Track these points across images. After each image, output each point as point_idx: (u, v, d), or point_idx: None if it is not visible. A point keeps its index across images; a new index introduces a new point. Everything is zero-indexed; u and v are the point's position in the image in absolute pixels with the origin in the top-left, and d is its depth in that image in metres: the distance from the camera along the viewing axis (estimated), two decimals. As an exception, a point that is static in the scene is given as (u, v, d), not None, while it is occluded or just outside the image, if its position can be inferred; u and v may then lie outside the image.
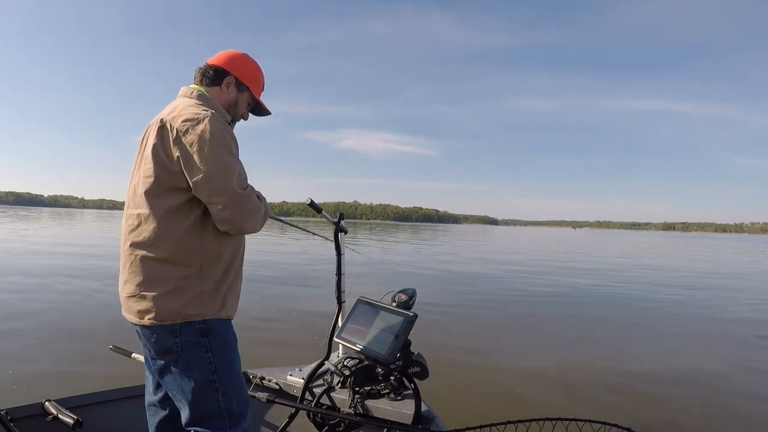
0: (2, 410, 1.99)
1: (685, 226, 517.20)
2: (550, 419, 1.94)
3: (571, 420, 1.95)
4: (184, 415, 1.68)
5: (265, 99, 1.99)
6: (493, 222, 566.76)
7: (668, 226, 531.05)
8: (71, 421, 1.96)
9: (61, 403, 2.13)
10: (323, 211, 2.36)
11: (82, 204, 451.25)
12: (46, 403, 2.11)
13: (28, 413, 2.08)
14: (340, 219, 2.43)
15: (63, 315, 6.68)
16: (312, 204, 2.30)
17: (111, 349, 2.80)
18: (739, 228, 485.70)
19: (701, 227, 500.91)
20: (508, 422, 1.94)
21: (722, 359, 5.71)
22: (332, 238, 2.42)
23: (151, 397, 1.88)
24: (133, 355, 2.66)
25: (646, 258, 24.77)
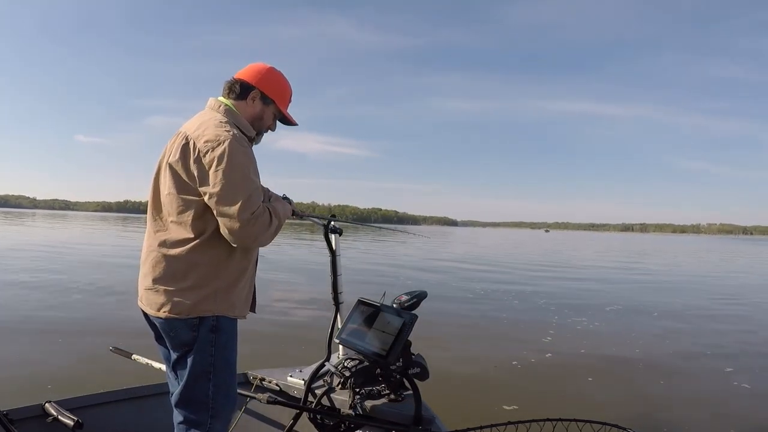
0: (2, 411, 1.98)
1: (644, 227, 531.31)
2: (551, 419, 1.97)
3: (571, 420, 1.98)
4: (176, 394, 1.80)
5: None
6: (453, 223, 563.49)
7: (626, 227, 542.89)
8: (71, 423, 1.97)
9: (61, 404, 2.12)
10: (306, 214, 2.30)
11: (34, 204, 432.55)
12: (46, 404, 2.11)
13: (28, 414, 2.08)
14: (331, 220, 2.43)
15: (62, 316, 6.61)
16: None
17: (111, 350, 2.77)
18: (696, 229, 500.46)
19: (659, 228, 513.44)
20: (509, 423, 1.98)
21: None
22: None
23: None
24: (134, 356, 2.65)
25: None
